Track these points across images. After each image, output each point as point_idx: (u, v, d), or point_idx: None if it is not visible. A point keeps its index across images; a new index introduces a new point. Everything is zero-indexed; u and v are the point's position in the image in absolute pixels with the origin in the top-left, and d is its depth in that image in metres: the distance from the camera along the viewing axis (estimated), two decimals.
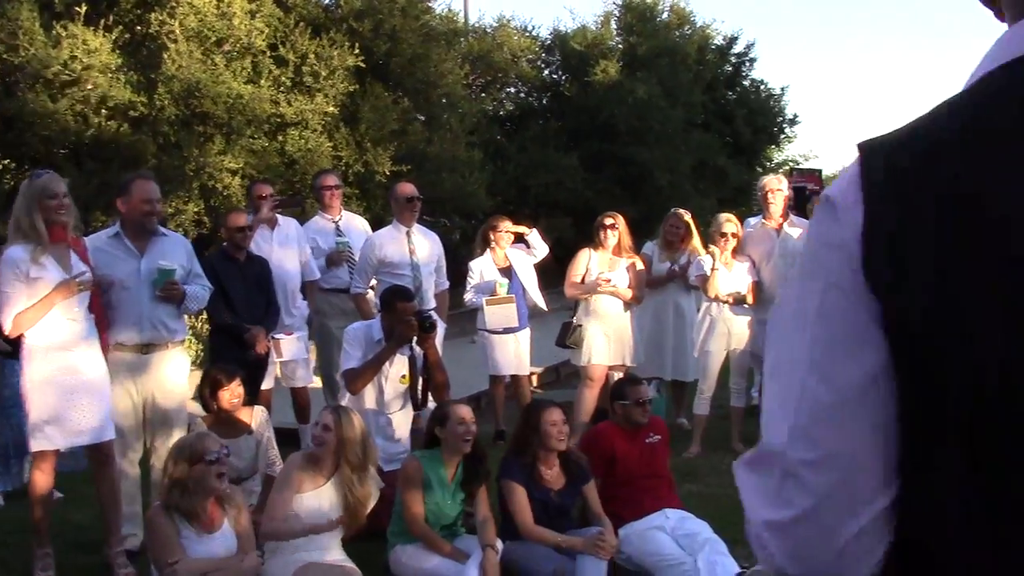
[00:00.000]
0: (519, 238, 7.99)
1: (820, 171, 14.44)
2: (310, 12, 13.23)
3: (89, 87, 10.53)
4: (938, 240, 0.94)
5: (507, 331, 7.65)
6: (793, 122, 24.76)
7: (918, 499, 0.96)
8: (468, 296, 7.78)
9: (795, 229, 7.18)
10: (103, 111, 10.76)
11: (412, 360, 5.72)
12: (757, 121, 23.25)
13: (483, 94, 18.86)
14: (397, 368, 5.72)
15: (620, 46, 20.83)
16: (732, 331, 7.31)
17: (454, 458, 4.75)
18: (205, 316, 7.68)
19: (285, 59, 12.36)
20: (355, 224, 7.79)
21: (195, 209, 11.21)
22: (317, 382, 7.54)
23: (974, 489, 0.92)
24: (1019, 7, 1.01)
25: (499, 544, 4.56)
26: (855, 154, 1.05)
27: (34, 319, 4.71)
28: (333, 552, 4.51)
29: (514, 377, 7.88)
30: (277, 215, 7.05)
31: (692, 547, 4.65)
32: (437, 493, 4.68)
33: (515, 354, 7.75)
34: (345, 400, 5.69)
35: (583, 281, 7.35)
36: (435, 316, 5.96)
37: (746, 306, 7.28)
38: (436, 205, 13.91)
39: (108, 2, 11.45)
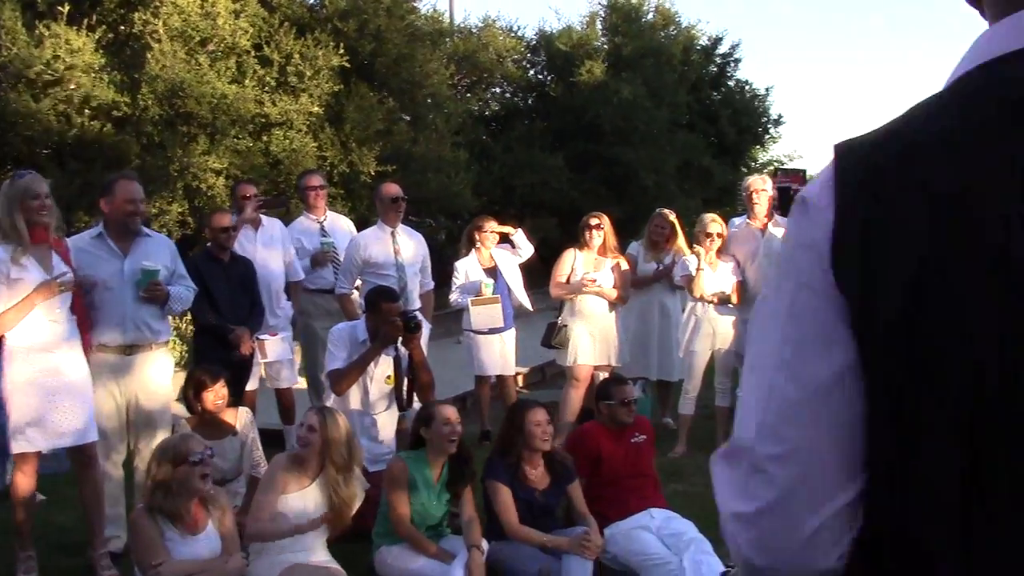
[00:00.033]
0: (504, 238, 7.99)
1: (804, 171, 14.42)
2: (295, 12, 13.18)
3: (72, 87, 10.47)
4: (919, 239, 0.94)
5: (492, 331, 7.65)
6: (778, 122, 24.83)
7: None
8: (453, 296, 7.77)
9: (779, 229, 7.20)
10: (86, 111, 10.70)
11: (397, 361, 5.71)
12: (742, 121, 23.31)
13: (468, 94, 18.85)
14: (382, 369, 5.72)
15: (605, 46, 20.84)
16: (717, 331, 7.33)
17: (439, 459, 4.75)
18: (189, 317, 7.65)
19: (270, 59, 12.32)
20: (340, 224, 7.78)
21: (179, 209, 11.16)
22: (302, 383, 7.52)
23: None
24: (999, 7, 1.01)
25: (484, 544, 4.56)
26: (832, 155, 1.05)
27: (15, 320, 4.68)
28: (318, 553, 4.50)
29: (500, 377, 7.88)
30: (261, 215, 7.03)
31: (677, 546, 4.66)
32: (423, 494, 4.67)
33: (500, 354, 7.75)
34: (330, 401, 5.67)
35: (568, 281, 7.36)
36: (420, 316, 5.95)
37: (731, 306, 7.30)
38: (422, 205, 13.89)
39: (91, 2, 11.38)
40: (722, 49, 23.65)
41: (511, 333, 7.82)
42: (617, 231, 7.68)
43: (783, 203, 7.37)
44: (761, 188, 7.41)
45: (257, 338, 6.44)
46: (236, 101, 11.28)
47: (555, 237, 14.97)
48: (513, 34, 19.49)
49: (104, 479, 5.18)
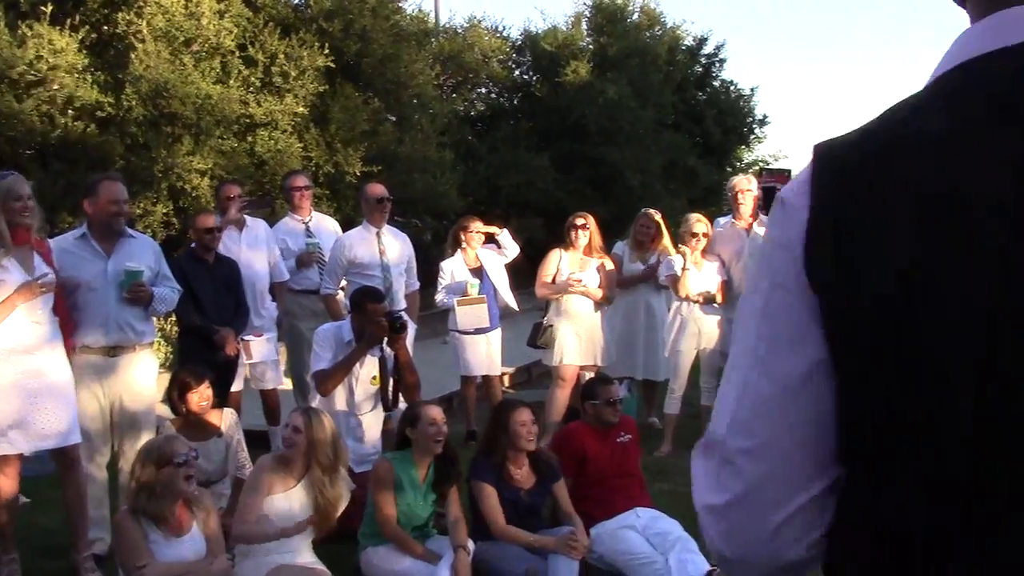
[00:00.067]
0: (490, 238, 7.99)
1: (789, 171, 14.48)
2: (279, 12, 13.15)
3: (55, 87, 10.42)
4: (904, 239, 0.94)
5: (478, 331, 7.64)
6: (763, 122, 24.93)
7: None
8: (439, 297, 7.76)
9: (764, 229, 7.22)
10: (70, 111, 10.65)
11: (383, 361, 5.71)
12: (727, 121, 23.39)
13: (454, 94, 18.84)
14: (368, 369, 5.71)
15: (591, 47, 20.86)
16: (702, 330, 7.35)
17: (425, 459, 4.75)
18: (174, 318, 7.62)
19: (254, 59, 12.29)
20: (325, 225, 7.77)
21: (164, 210, 11.12)
22: (287, 384, 7.51)
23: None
24: (982, 7, 1.01)
25: (471, 545, 4.56)
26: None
27: None
28: (303, 554, 4.49)
29: (485, 377, 7.87)
30: (245, 216, 7.01)
31: (663, 546, 4.67)
32: (409, 494, 4.67)
33: (486, 354, 7.75)
34: (315, 402, 5.66)
35: (554, 281, 7.36)
36: (405, 317, 5.95)
37: (716, 305, 7.32)
38: (407, 206, 13.87)
39: (74, 2, 11.33)
40: (707, 49, 23.73)
41: (497, 333, 7.82)
42: (603, 231, 7.69)
43: (768, 203, 7.39)
44: (747, 188, 7.45)
45: (242, 339, 6.43)
46: (221, 101, 11.25)
47: (541, 237, 14.98)
48: (498, 34, 19.49)
49: (88, 481, 5.16)
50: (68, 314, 5.08)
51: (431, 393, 7.03)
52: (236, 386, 6.55)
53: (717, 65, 23.94)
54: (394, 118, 14.70)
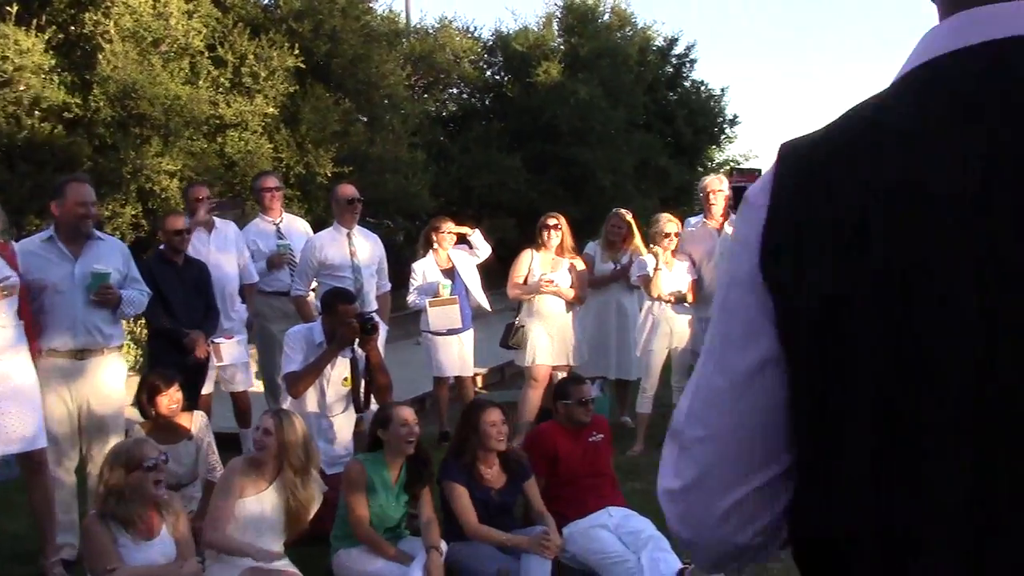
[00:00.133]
0: (462, 239, 7.98)
1: (760, 171, 14.61)
2: (249, 12, 13.10)
3: (22, 88, 10.32)
4: (874, 238, 0.94)
5: (451, 332, 7.63)
6: (733, 122, 25.12)
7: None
8: (411, 298, 7.74)
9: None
10: (36, 112, 10.56)
11: (354, 363, 5.69)
12: (698, 121, 23.52)
13: (425, 95, 18.82)
14: (339, 371, 5.69)
15: (562, 47, 20.91)
16: (674, 330, 7.38)
17: (397, 460, 4.74)
18: (143, 320, 7.56)
19: (224, 60, 12.23)
20: (296, 226, 7.74)
21: (132, 212, 11.04)
22: (258, 386, 7.47)
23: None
24: (948, 6, 1.01)
25: (443, 545, 4.55)
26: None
27: None
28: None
29: (458, 378, 7.87)
30: (214, 218, 6.97)
31: (635, 544, 4.68)
32: (381, 496, 4.66)
33: (459, 355, 7.74)
34: (287, 404, 5.63)
35: (526, 282, 7.37)
36: (377, 318, 5.93)
37: (687, 304, 7.35)
38: (379, 206, 13.85)
39: (40, 2, 11.22)
40: (678, 50, 23.88)
41: (469, 334, 7.82)
42: (574, 231, 7.71)
43: (738, 202, 7.43)
44: (718, 188, 7.50)
45: (212, 342, 6.39)
46: (190, 102, 11.18)
47: (513, 237, 14.99)
48: (470, 35, 19.51)
49: (56, 485, 5.10)
50: (34, 317, 5.02)
51: (404, 394, 7.02)
52: (206, 389, 6.51)
53: (688, 65, 24.09)
54: (365, 119, 14.68)
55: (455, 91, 20.60)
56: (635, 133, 20.46)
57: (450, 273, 7.70)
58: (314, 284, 7.04)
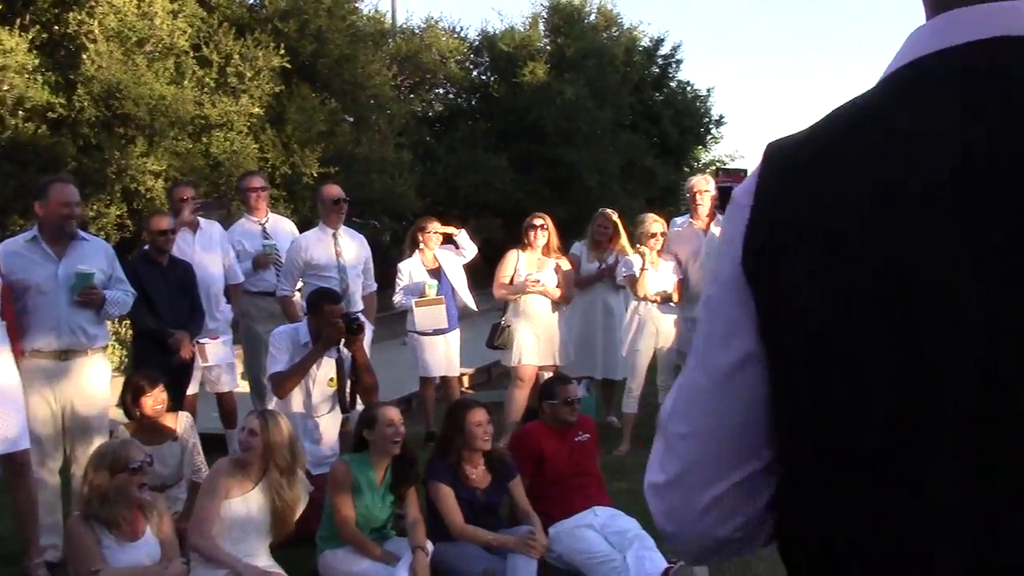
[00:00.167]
0: (448, 239, 7.98)
1: (745, 171, 14.70)
2: (234, 12, 13.06)
3: (5, 88, 10.26)
4: (852, 235, 0.94)
5: (437, 332, 7.63)
6: (719, 123, 25.21)
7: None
8: (397, 298, 7.73)
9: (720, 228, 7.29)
10: (20, 112, 10.50)
11: (340, 363, 5.68)
12: (684, 122, 23.58)
13: (411, 95, 18.81)
14: (325, 371, 5.68)
15: (548, 47, 20.94)
16: (660, 330, 7.39)
17: (383, 460, 4.73)
18: (128, 321, 7.54)
19: (209, 60, 12.19)
20: (282, 226, 7.72)
21: (117, 212, 11.00)
22: (244, 386, 7.45)
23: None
24: (934, 6, 1.02)
25: (429, 546, 4.55)
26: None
27: None
28: (261, 558, 4.45)
29: (444, 378, 7.86)
30: (199, 218, 6.95)
31: (621, 544, 4.69)
32: (367, 496, 4.65)
33: (445, 355, 7.74)
34: (272, 404, 5.62)
35: (512, 282, 7.37)
36: (363, 318, 5.91)
37: (672, 304, 7.37)
38: (365, 207, 13.84)
39: (24, 1, 11.17)
40: (664, 50, 23.94)
41: (455, 334, 7.82)
42: (560, 231, 7.72)
43: (724, 202, 7.45)
44: (704, 189, 7.52)
45: (197, 342, 6.37)
46: (175, 102, 11.15)
47: (499, 237, 15.00)
48: (456, 35, 19.52)
49: (40, 487, 5.08)
50: (17, 318, 5.00)
51: (390, 394, 7.01)
52: (191, 389, 6.49)
53: (674, 66, 24.15)
54: (351, 119, 14.66)
55: (441, 91, 20.61)
56: (621, 133, 20.50)
57: (436, 273, 7.70)
58: (300, 284, 7.02)
